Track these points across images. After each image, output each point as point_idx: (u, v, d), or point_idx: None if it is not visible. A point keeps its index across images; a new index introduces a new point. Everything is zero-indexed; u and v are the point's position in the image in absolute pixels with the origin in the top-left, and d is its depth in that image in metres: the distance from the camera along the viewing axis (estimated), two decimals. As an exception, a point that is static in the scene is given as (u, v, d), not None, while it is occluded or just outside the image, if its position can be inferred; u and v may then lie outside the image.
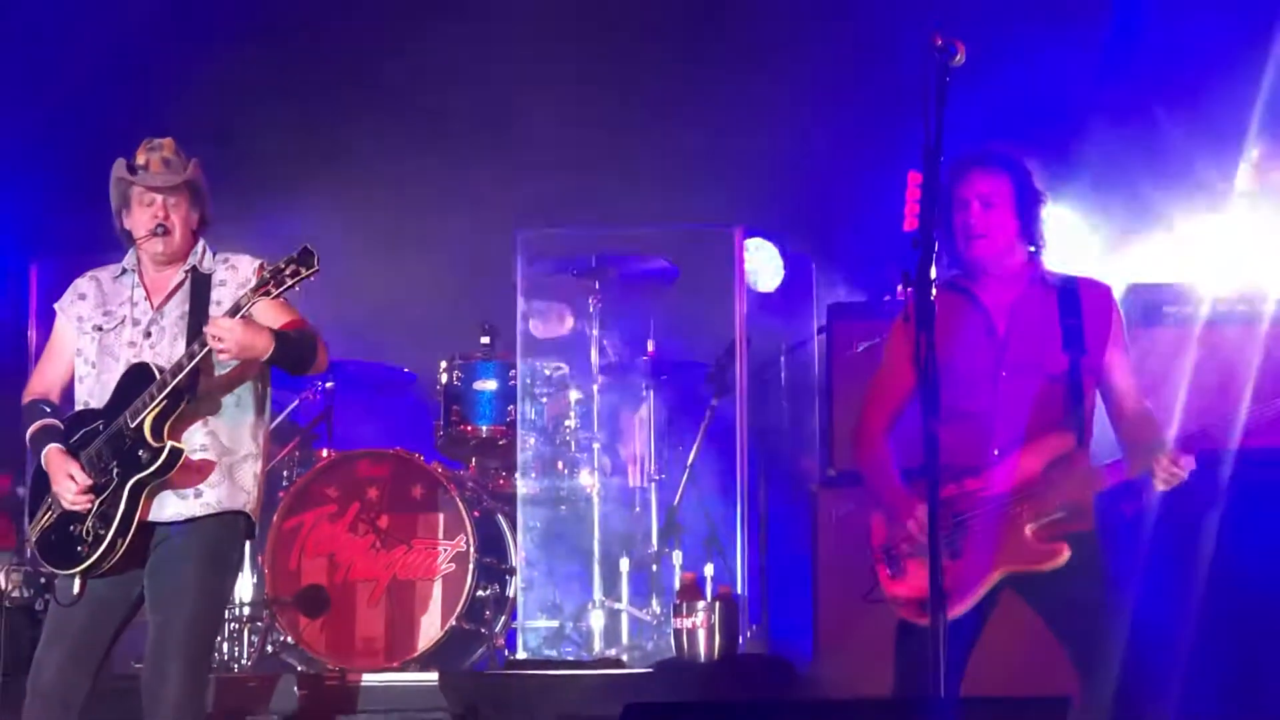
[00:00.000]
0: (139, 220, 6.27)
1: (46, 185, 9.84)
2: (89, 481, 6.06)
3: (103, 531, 6.03)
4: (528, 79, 10.02)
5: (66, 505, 6.09)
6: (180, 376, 6.00)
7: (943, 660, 4.80)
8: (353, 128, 10.42)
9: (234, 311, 6.00)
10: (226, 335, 5.94)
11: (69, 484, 6.06)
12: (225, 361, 6.10)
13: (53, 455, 6.16)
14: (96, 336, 6.30)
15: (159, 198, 6.25)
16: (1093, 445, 5.89)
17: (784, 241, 9.67)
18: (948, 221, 5.93)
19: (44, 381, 6.40)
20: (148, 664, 6.09)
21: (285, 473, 8.92)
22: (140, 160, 6.26)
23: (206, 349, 5.97)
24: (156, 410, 6.03)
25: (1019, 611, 5.89)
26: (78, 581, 6.10)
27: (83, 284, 6.44)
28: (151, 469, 6.01)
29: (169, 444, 6.02)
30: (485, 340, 9.28)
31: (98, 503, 6.06)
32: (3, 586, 7.98)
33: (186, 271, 6.29)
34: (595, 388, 9.01)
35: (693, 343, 9.44)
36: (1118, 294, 6.12)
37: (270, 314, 6.18)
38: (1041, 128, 8.45)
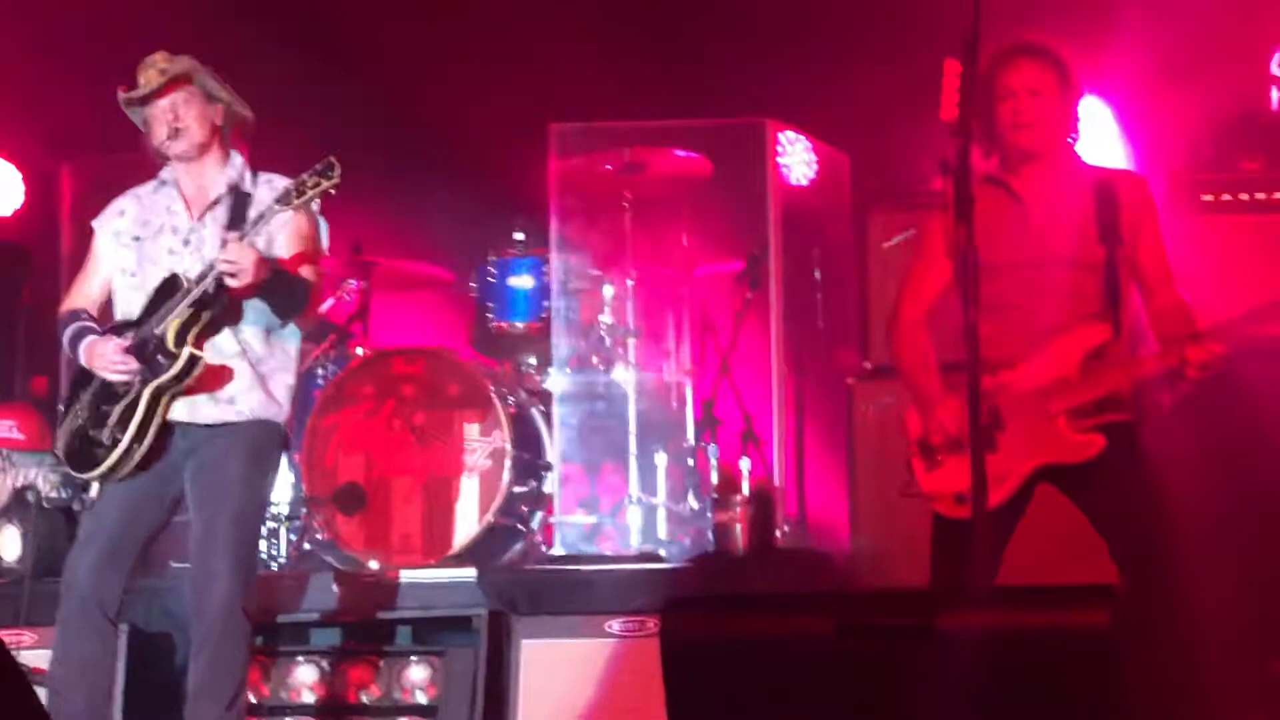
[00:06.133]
0: (157, 134, 6.29)
1: (73, 82, 9.76)
2: (128, 343, 6.09)
3: (120, 436, 6.09)
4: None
5: (111, 375, 6.11)
6: (201, 287, 6.03)
7: (979, 552, 4.80)
8: (382, 25, 10.31)
9: (256, 221, 6.01)
10: (239, 258, 5.97)
11: (108, 350, 6.11)
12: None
13: (90, 343, 6.20)
14: (135, 246, 6.33)
15: (166, 103, 6.25)
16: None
17: (818, 134, 9.59)
18: (987, 111, 5.90)
19: (81, 296, 6.44)
20: (194, 562, 6.15)
21: (320, 371, 8.89)
22: (140, 81, 6.27)
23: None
24: (180, 319, 6.06)
25: (1056, 504, 5.88)
26: (95, 485, 6.17)
27: (122, 201, 6.47)
28: (169, 375, 6.06)
29: (188, 350, 6.06)
30: (519, 237, 9.23)
31: (119, 408, 6.11)
32: (40, 487, 8.02)
33: (228, 187, 6.29)
34: (630, 283, 8.96)
35: (727, 237, 9.37)
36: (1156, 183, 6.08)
37: (293, 231, 6.23)
38: (1076, 16, 8.34)
